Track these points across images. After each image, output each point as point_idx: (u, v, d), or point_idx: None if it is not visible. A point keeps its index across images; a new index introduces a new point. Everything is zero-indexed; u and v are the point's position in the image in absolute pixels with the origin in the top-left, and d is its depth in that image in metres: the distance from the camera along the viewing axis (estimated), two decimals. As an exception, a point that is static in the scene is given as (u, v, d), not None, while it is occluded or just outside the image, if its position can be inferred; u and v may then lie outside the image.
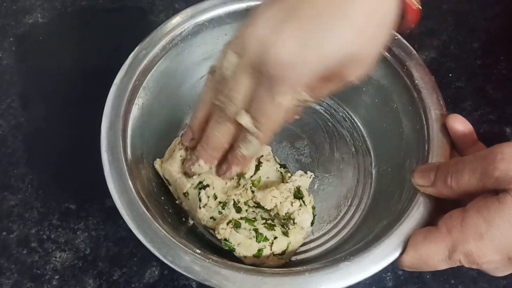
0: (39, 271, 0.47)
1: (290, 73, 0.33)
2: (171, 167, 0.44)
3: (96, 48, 0.61)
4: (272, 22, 0.33)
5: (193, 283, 0.46)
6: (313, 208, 0.45)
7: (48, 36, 0.62)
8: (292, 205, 0.42)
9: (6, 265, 0.48)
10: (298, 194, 0.44)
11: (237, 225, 0.42)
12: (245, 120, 0.36)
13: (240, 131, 0.38)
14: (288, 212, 0.42)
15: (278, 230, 0.43)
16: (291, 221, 0.43)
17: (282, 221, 0.43)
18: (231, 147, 0.40)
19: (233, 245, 0.42)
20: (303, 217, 0.43)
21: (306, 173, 0.45)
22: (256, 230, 0.43)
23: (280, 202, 0.42)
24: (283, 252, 0.43)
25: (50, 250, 0.48)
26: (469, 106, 0.55)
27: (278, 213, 0.42)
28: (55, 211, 0.50)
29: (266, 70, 0.33)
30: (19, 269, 0.47)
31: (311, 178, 0.46)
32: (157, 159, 0.46)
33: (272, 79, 0.33)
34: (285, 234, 0.43)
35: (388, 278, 0.46)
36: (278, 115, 0.35)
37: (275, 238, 0.43)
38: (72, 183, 0.52)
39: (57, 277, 0.47)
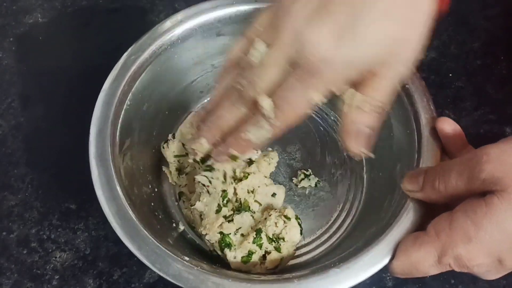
0: (39, 271, 0.47)
1: (328, 69, 0.32)
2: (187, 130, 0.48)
3: (96, 48, 0.61)
4: (307, 14, 0.32)
5: (193, 283, 0.46)
6: (297, 218, 0.45)
7: (48, 36, 0.62)
8: (277, 226, 0.43)
9: (6, 265, 0.48)
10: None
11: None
12: (266, 103, 0.34)
13: (253, 116, 0.35)
14: (275, 233, 0.42)
15: (270, 246, 0.43)
16: (281, 239, 0.43)
17: (273, 242, 0.43)
18: (235, 130, 0.37)
19: (229, 239, 0.42)
20: (292, 233, 0.43)
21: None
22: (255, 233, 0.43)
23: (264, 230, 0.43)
24: (276, 266, 0.43)
25: (50, 250, 0.48)
26: (469, 106, 0.55)
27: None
28: (55, 211, 0.50)
29: (304, 63, 0.32)
30: (19, 269, 0.47)
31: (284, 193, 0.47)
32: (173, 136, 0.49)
33: (309, 72, 0.32)
34: (277, 249, 0.43)
35: (388, 278, 0.46)
36: (304, 108, 0.34)
37: (269, 253, 0.42)
38: (72, 183, 0.52)
39: (57, 277, 0.47)
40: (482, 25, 0.61)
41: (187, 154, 0.48)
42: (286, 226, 0.43)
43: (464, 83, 0.57)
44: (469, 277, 0.46)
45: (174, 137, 0.49)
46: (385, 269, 0.46)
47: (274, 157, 0.48)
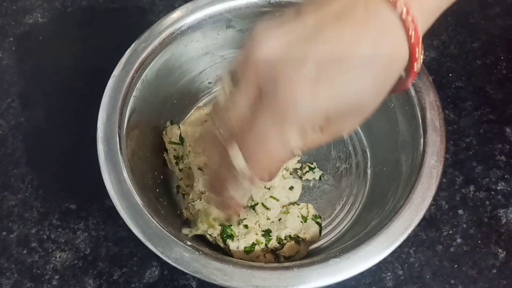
0: (39, 271, 0.47)
1: (301, 108, 0.29)
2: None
3: (96, 48, 0.61)
4: (285, 46, 0.29)
5: (193, 283, 0.46)
6: (317, 216, 0.45)
7: (48, 36, 0.62)
8: (293, 227, 0.44)
9: (6, 265, 0.48)
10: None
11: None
12: (238, 160, 0.30)
13: (230, 172, 0.32)
14: (289, 235, 0.43)
15: (278, 245, 0.43)
16: (300, 238, 0.43)
17: (289, 238, 0.43)
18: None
19: (231, 230, 0.42)
20: (309, 232, 0.43)
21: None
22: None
23: (277, 231, 0.43)
24: (290, 257, 0.43)
25: (50, 250, 0.48)
26: (469, 106, 0.55)
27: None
28: (55, 211, 0.50)
29: (276, 103, 0.29)
30: (19, 269, 0.47)
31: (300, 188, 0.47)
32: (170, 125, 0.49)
33: (281, 110, 0.29)
34: (297, 241, 0.43)
35: (388, 278, 0.46)
36: (280, 153, 0.30)
37: (287, 241, 0.43)
38: (72, 183, 0.52)
39: (57, 277, 0.47)
40: (482, 25, 0.61)
41: (181, 143, 0.49)
42: (303, 226, 0.43)
43: (464, 83, 0.57)
44: (469, 277, 0.46)
45: (172, 124, 0.50)
46: (385, 269, 0.46)
47: None
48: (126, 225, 0.49)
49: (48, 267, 0.48)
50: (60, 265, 0.48)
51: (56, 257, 0.48)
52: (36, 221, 0.50)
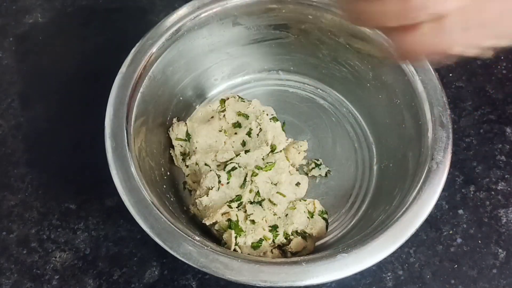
0: (39, 271, 0.47)
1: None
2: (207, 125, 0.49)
3: (96, 48, 0.61)
4: None
5: (193, 283, 0.46)
6: (323, 212, 0.45)
7: (48, 36, 0.62)
8: (299, 223, 0.44)
9: (6, 265, 0.48)
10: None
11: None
12: None
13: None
14: (295, 230, 0.43)
15: (285, 241, 0.44)
16: (307, 234, 0.43)
17: (296, 234, 0.43)
18: None
19: (238, 224, 0.42)
20: (316, 227, 0.43)
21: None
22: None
23: (284, 226, 0.43)
24: (296, 253, 0.43)
25: (50, 250, 0.48)
26: (469, 106, 0.55)
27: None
28: (55, 211, 0.50)
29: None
30: (19, 269, 0.47)
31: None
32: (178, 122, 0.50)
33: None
34: (304, 237, 0.43)
35: (388, 278, 0.46)
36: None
37: (294, 237, 0.43)
38: (72, 183, 0.52)
39: (57, 277, 0.47)
40: (482, 25, 0.61)
41: (188, 140, 0.49)
42: (309, 221, 0.43)
43: (464, 83, 0.57)
44: (469, 277, 0.46)
45: (178, 120, 0.50)
46: (386, 269, 0.46)
47: (303, 146, 0.49)
48: (126, 225, 0.49)
49: (48, 267, 0.48)
50: (60, 265, 0.48)
51: (56, 257, 0.48)
52: (36, 221, 0.50)
